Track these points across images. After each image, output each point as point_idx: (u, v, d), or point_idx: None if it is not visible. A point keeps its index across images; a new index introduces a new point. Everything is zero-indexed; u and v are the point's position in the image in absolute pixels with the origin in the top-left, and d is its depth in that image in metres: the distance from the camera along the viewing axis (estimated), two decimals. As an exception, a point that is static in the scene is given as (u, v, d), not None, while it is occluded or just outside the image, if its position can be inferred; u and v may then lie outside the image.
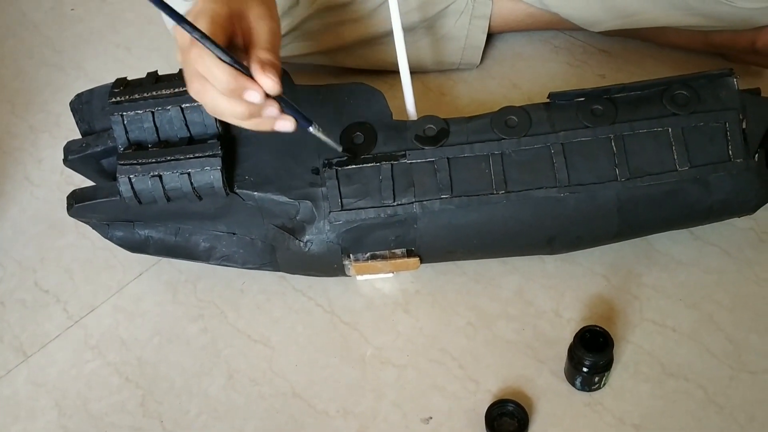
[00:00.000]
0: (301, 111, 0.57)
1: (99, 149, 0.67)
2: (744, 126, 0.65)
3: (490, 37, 0.93)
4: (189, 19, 0.51)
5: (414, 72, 0.90)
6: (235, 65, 0.52)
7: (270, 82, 0.52)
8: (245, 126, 0.56)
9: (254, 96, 0.52)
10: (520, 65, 0.92)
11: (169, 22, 0.85)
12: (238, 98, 0.53)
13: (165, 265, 0.77)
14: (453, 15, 0.87)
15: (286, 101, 0.55)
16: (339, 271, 0.68)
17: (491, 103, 0.87)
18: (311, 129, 0.59)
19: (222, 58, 0.51)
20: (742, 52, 0.84)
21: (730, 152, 0.64)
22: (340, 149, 0.63)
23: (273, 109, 0.54)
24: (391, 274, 0.73)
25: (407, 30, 0.86)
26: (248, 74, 0.52)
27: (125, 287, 0.76)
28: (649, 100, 0.65)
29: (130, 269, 0.77)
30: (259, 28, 0.55)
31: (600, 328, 0.62)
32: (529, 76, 0.91)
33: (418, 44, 0.87)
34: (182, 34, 0.52)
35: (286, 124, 0.56)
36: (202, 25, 0.52)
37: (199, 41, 0.51)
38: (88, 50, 1.03)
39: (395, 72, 0.71)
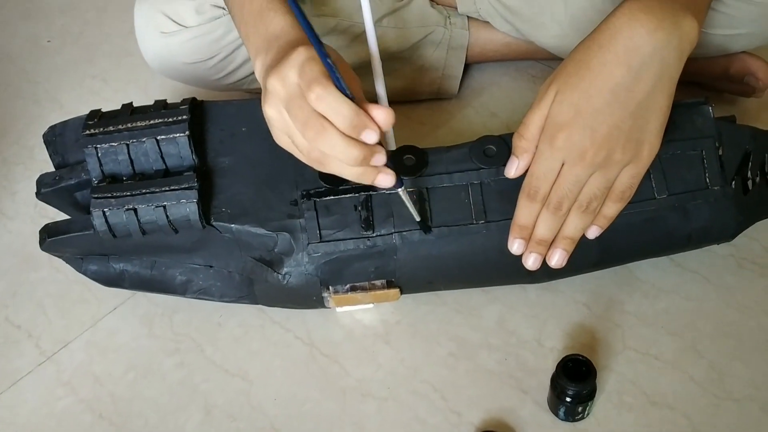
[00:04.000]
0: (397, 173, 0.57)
1: (73, 182, 0.65)
2: (720, 153, 0.65)
3: (468, 66, 0.94)
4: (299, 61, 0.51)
5: (393, 101, 0.90)
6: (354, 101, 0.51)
7: (385, 113, 0.52)
8: (349, 175, 0.54)
9: (372, 136, 0.52)
10: (498, 94, 0.93)
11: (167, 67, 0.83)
12: (354, 141, 0.52)
13: (141, 298, 0.75)
14: (430, 46, 0.87)
15: (391, 160, 0.55)
16: (318, 303, 0.67)
17: (470, 132, 0.87)
18: (400, 191, 0.59)
19: (346, 93, 0.51)
20: (716, 79, 0.85)
21: (708, 180, 0.65)
22: (417, 218, 0.62)
23: (381, 156, 0.54)
24: (371, 305, 0.72)
25: (385, 60, 0.86)
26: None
27: (100, 321, 0.74)
28: (626, 128, 0.65)
29: (105, 303, 0.75)
30: (351, 74, 0.55)
31: (582, 356, 0.62)
32: (507, 104, 0.91)
33: (396, 74, 0.87)
34: (286, 82, 0.51)
35: (388, 179, 0.55)
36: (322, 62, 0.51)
37: (331, 74, 0.50)
38: (63, 82, 1.02)
39: (375, 101, 0.71)
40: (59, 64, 1.04)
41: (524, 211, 0.61)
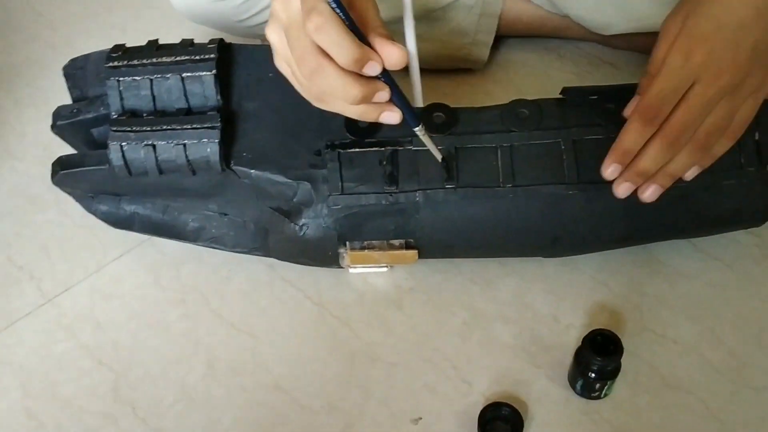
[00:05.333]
0: (412, 109, 0.53)
1: (90, 116, 0.63)
2: (757, 136, 0.63)
3: (496, 41, 0.92)
4: None
5: (420, 67, 0.89)
6: (358, 35, 0.48)
7: (397, 51, 0.48)
8: (350, 113, 0.51)
9: (374, 68, 0.48)
10: (525, 72, 0.91)
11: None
12: (355, 77, 0.48)
13: (148, 247, 0.73)
14: (463, 9, 0.85)
15: (398, 92, 0.52)
16: (333, 259, 0.65)
17: (495, 105, 0.85)
18: (417, 129, 0.55)
19: (349, 25, 0.47)
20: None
21: (742, 160, 0.63)
22: (440, 158, 0.59)
23: (384, 93, 0.50)
24: (385, 269, 0.70)
25: (416, 21, 0.84)
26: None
27: (104, 267, 0.72)
28: (663, 103, 0.63)
29: (111, 249, 0.73)
30: (368, 4, 0.50)
31: (610, 332, 0.60)
32: (533, 83, 0.89)
33: (425, 35, 0.85)
34: (289, 6, 0.47)
35: (393, 116, 0.52)
36: None
37: (330, 5, 0.46)
38: (81, 29, 1.00)
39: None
40: (78, 12, 1.02)
41: (633, 134, 0.54)
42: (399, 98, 0.53)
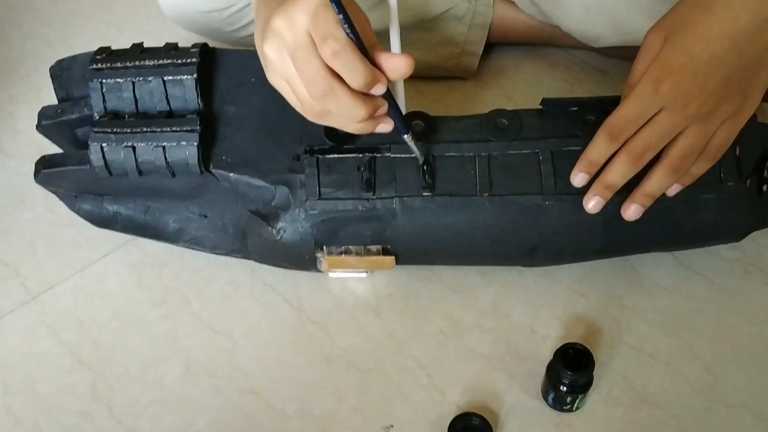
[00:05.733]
0: (402, 117, 0.55)
1: (74, 116, 0.64)
2: (737, 152, 0.63)
3: (489, 47, 0.92)
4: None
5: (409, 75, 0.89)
6: (367, 56, 0.49)
7: (404, 62, 0.50)
8: (350, 129, 0.53)
9: (382, 89, 0.51)
10: (516, 78, 0.91)
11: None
12: (363, 97, 0.50)
13: (132, 247, 0.74)
14: (453, 20, 0.85)
15: (393, 104, 0.54)
16: (311, 263, 0.66)
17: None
18: (406, 137, 0.57)
19: (362, 48, 0.49)
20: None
21: (722, 174, 0.63)
22: (421, 160, 0.61)
23: (385, 108, 0.52)
24: (364, 274, 0.70)
25: (405, 29, 0.84)
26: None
27: (89, 267, 0.73)
28: (643, 116, 0.63)
29: (97, 248, 0.74)
30: (364, 21, 0.52)
31: (582, 346, 0.60)
32: (525, 89, 0.89)
33: (415, 45, 0.85)
34: (294, 27, 0.48)
35: (388, 127, 0.54)
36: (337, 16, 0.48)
37: (346, 30, 0.48)
38: (78, 27, 1.00)
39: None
40: (75, 9, 1.03)
41: (599, 147, 0.55)
42: (393, 109, 0.54)
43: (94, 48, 0.98)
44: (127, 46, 0.98)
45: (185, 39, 0.91)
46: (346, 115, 0.51)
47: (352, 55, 0.48)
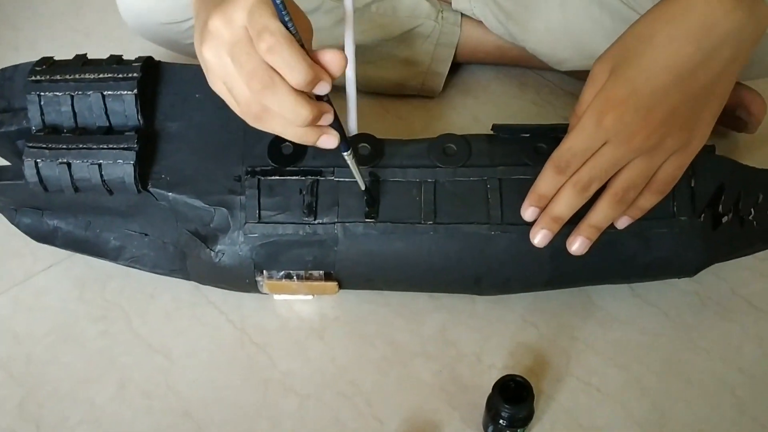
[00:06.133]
0: (343, 132, 0.53)
1: (13, 129, 0.63)
2: (692, 184, 0.62)
3: (457, 66, 0.90)
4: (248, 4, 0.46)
5: (374, 92, 0.87)
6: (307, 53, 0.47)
7: (337, 55, 0.47)
8: (290, 135, 0.50)
9: (325, 87, 0.48)
10: (484, 98, 0.89)
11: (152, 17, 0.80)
12: (305, 100, 0.48)
13: (78, 259, 0.72)
14: (418, 38, 0.84)
15: (336, 118, 0.52)
16: (251, 286, 0.64)
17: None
18: (346, 154, 0.55)
19: (301, 43, 0.46)
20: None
21: (675, 209, 0.61)
22: (363, 186, 0.59)
23: (330, 116, 0.50)
24: (311, 297, 0.69)
25: (370, 47, 0.83)
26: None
27: (31, 278, 0.71)
28: (596, 145, 0.62)
29: (41, 260, 0.73)
30: (306, 30, 0.50)
31: (522, 378, 0.58)
32: (492, 110, 0.88)
33: (378, 63, 0.84)
34: (232, 25, 0.46)
35: (331, 140, 0.51)
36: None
37: (286, 24, 0.45)
38: (46, 32, 0.99)
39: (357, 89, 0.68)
40: (45, 14, 1.02)
41: (547, 181, 0.55)
42: (335, 122, 0.52)
43: (60, 54, 0.97)
44: (94, 51, 0.96)
45: (150, 47, 0.91)
46: (288, 115, 0.48)
47: (289, 49, 0.45)
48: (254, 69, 0.47)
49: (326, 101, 0.50)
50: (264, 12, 0.45)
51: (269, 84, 0.47)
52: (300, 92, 0.48)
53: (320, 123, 0.50)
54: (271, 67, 0.47)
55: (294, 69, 0.46)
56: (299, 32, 0.47)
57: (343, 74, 0.65)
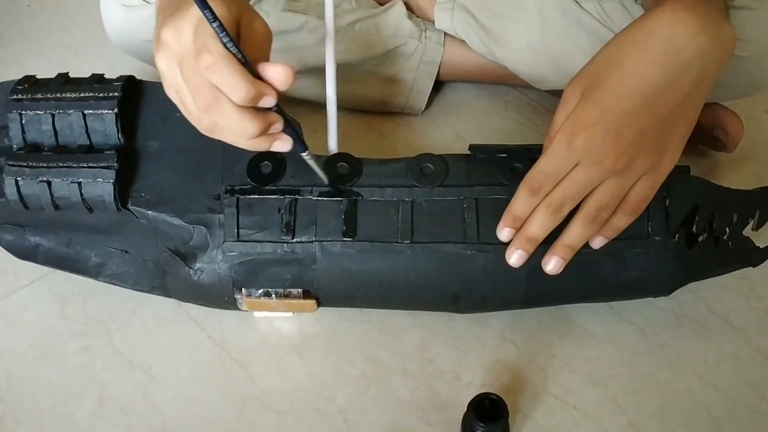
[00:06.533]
0: (300, 135, 0.54)
1: (-6, 146, 0.63)
2: (667, 203, 0.62)
3: (441, 84, 0.91)
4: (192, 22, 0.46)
5: (357, 109, 0.88)
6: (250, 69, 0.47)
7: (281, 70, 0.47)
8: (242, 145, 0.51)
9: (270, 101, 0.48)
10: (467, 116, 0.90)
11: (129, 33, 0.81)
12: (251, 112, 0.48)
13: (60, 275, 0.72)
14: (401, 57, 0.85)
15: (290, 122, 0.52)
16: (230, 304, 0.65)
17: (430, 150, 0.84)
18: (305, 155, 0.56)
19: (242, 60, 0.46)
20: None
21: (649, 228, 0.62)
22: (326, 181, 0.60)
23: (279, 125, 0.51)
24: (290, 314, 0.69)
25: (354, 65, 0.84)
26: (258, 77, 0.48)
27: (13, 294, 0.72)
28: (572, 166, 0.62)
29: (23, 276, 0.73)
30: (263, 37, 0.50)
31: (497, 396, 0.59)
32: (475, 128, 0.89)
33: (362, 81, 0.85)
34: (181, 37, 0.47)
35: (285, 145, 0.52)
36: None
37: (225, 45, 0.45)
38: (34, 48, 1.00)
39: (339, 106, 0.68)
40: (34, 29, 1.03)
41: (521, 202, 0.56)
42: (289, 126, 0.52)
43: (48, 70, 0.97)
44: (81, 67, 0.98)
45: (139, 64, 0.91)
46: (235, 131, 0.49)
47: (227, 68, 0.46)
48: (198, 86, 0.47)
49: (275, 111, 0.51)
50: (206, 29, 0.46)
51: (213, 102, 0.47)
52: (245, 108, 0.48)
53: (270, 132, 0.51)
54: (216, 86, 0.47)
55: (235, 87, 0.46)
56: (254, 40, 0.48)
57: (320, 89, 0.67)
